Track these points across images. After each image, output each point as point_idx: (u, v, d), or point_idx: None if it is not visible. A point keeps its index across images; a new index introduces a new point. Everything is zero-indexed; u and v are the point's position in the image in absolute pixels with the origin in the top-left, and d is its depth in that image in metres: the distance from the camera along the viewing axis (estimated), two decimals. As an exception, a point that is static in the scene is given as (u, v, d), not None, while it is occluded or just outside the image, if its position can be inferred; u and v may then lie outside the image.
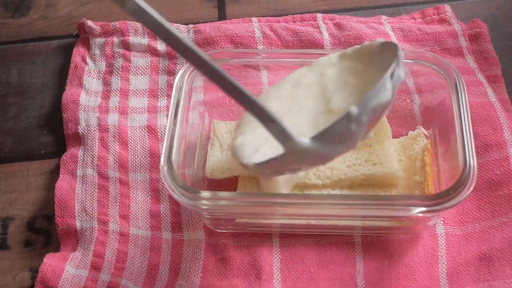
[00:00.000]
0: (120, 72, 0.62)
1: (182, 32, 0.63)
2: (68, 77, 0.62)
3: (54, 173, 0.57)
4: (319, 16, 0.64)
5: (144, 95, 0.60)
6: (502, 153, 0.52)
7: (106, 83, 0.61)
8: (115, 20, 0.65)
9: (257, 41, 0.62)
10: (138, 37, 0.63)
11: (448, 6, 0.64)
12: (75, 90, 0.60)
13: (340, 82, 0.48)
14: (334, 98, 0.47)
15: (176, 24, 0.64)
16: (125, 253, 0.51)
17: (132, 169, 0.55)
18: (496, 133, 0.53)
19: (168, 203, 0.54)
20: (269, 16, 0.65)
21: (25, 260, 0.52)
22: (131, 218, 0.53)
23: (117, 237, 0.51)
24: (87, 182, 0.54)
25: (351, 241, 0.50)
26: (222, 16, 0.68)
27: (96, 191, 0.54)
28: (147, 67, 0.62)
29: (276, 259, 0.50)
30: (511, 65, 0.60)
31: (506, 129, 0.54)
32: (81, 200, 0.53)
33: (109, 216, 0.52)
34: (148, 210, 0.53)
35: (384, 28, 0.62)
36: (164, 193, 0.54)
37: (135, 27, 0.64)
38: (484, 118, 0.54)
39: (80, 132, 0.57)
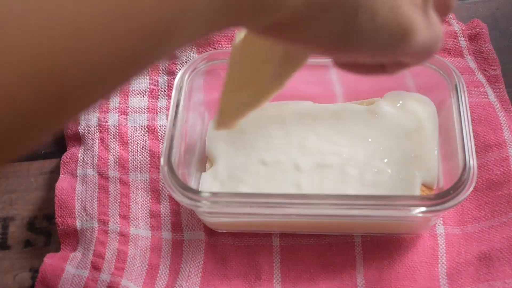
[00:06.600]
0: (120, 72, 0.61)
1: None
2: (68, 77, 0.62)
3: (54, 173, 0.57)
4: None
5: (144, 95, 0.60)
6: (502, 153, 0.52)
7: (106, 83, 0.61)
8: (115, 20, 0.65)
9: (257, 41, 0.62)
10: (138, 37, 0.63)
11: (448, 6, 0.64)
12: (75, 90, 0.60)
13: None
14: None
15: (176, 24, 0.64)
16: (125, 253, 0.51)
17: (132, 169, 0.55)
18: (496, 133, 0.53)
19: (168, 203, 0.54)
20: (269, 16, 0.65)
21: (25, 260, 0.52)
22: (131, 218, 0.53)
23: (117, 237, 0.51)
24: (87, 182, 0.54)
25: (351, 241, 0.50)
26: (222, 16, 0.68)
27: (96, 191, 0.54)
28: (147, 67, 0.62)
29: (276, 259, 0.50)
30: (511, 65, 0.60)
31: (506, 129, 0.53)
32: (81, 200, 0.53)
33: (109, 216, 0.52)
34: (148, 210, 0.53)
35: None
36: (164, 193, 0.54)
37: (135, 27, 0.64)
38: (484, 118, 0.54)
39: (80, 132, 0.57)
